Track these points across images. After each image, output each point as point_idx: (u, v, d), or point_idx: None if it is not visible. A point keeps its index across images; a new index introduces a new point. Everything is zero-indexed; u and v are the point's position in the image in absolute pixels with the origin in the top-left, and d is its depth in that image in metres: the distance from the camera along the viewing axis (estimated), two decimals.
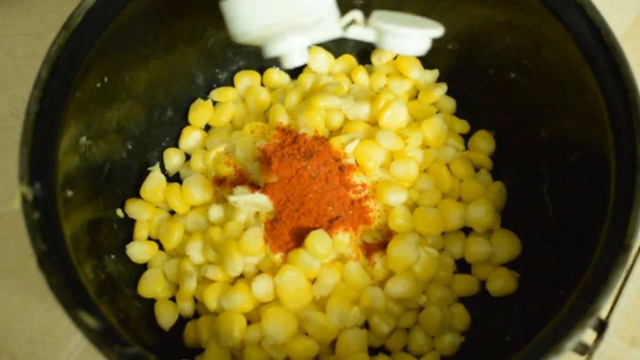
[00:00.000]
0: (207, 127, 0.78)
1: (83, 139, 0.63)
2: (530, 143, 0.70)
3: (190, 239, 0.69)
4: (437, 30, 0.57)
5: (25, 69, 0.85)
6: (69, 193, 0.59)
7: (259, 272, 0.67)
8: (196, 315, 0.70)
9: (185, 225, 0.70)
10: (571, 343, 0.49)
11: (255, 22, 0.53)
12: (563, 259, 0.62)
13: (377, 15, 0.57)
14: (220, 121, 0.77)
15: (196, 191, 0.70)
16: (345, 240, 0.65)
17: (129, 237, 0.71)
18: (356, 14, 0.57)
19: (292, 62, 0.56)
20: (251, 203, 0.65)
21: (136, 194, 0.72)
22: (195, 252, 0.68)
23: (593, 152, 0.60)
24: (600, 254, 0.52)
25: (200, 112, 0.77)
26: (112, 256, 0.67)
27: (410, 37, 0.56)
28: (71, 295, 0.51)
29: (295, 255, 0.64)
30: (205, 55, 0.76)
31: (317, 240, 0.63)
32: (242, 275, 0.67)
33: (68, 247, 0.53)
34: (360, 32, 0.57)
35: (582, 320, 0.49)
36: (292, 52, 0.56)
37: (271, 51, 0.55)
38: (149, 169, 0.73)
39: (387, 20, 0.56)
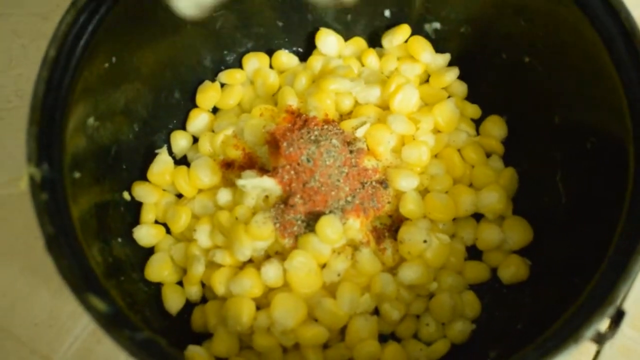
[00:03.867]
0: (215, 110, 0.77)
1: (91, 120, 0.62)
2: (543, 129, 0.69)
3: (197, 222, 0.68)
4: None
5: (30, 49, 0.84)
6: (77, 175, 0.58)
7: (268, 257, 0.66)
8: (204, 300, 0.69)
9: (192, 209, 0.69)
10: (590, 332, 0.48)
11: None
12: (577, 246, 0.61)
13: None
14: (229, 104, 0.76)
15: (204, 174, 0.69)
16: (356, 225, 0.64)
17: (136, 221, 0.70)
18: None
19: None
20: (259, 187, 0.65)
21: (143, 177, 0.71)
22: (203, 236, 0.67)
23: (610, 138, 0.59)
24: (619, 240, 0.51)
25: (208, 95, 0.75)
26: (119, 239, 0.66)
27: None
28: (80, 278, 0.50)
29: (306, 240, 0.63)
30: (213, 37, 0.75)
31: (328, 225, 0.62)
32: (250, 260, 0.66)
33: (76, 229, 0.52)
34: None
35: (601, 308, 0.48)
36: None
37: None
38: (156, 151, 0.72)
39: None
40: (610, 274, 0.50)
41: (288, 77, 0.77)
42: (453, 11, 0.74)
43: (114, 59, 0.63)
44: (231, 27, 0.75)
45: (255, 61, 0.78)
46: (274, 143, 0.67)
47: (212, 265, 0.67)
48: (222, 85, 0.77)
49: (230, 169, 0.70)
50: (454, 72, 0.75)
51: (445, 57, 0.76)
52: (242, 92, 0.76)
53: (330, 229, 0.62)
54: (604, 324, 0.49)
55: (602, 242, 0.54)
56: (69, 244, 0.51)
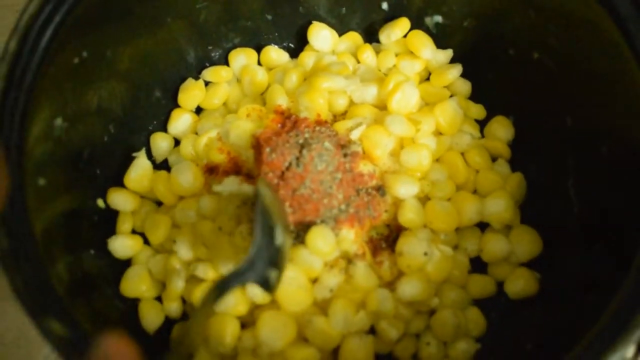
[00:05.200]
0: (199, 110, 0.72)
1: (58, 121, 0.56)
2: (554, 131, 0.64)
3: (178, 233, 0.62)
4: None
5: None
6: (42, 182, 0.53)
7: None
8: (184, 317, 0.64)
9: (172, 218, 0.64)
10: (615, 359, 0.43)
11: None
12: (592, 259, 0.57)
13: None
14: (213, 103, 0.71)
15: (185, 180, 0.64)
16: (350, 236, 0.59)
17: (111, 231, 0.65)
18: None
19: None
20: (240, 194, 0.60)
21: (119, 183, 0.66)
22: (184, 248, 0.62)
23: (628, 142, 0.54)
24: None
25: (191, 93, 0.70)
26: (92, 251, 0.61)
27: None
28: (38, 298, 0.45)
29: (295, 252, 0.58)
30: (197, 31, 0.70)
31: (319, 236, 0.57)
32: None
33: (37, 242, 0.48)
34: None
35: (627, 333, 0.43)
36: None
37: None
38: (134, 154, 0.67)
39: None
40: (635, 292, 0.45)
41: (278, 75, 0.71)
42: (456, 3, 0.69)
43: (84, 54, 0.58)
44: (216, 20, 0.71)
45: (242, 57, 0.73)
46: (258, 148, 0.62)
47: (193, 280, 0.61)
48: (207, 83, 0.72)
49: (214, 174, 0.65)
50: (457, 69, 0.70)
51: (447, 54, 0.71)
52: (228, 91, 0.72)
53: (321, 240, 0.57)
54: (629, 350, 0.44)
55: (622, 255, 0.49)
56: (27, 258, 0.46)
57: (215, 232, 0.60)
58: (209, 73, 0.72)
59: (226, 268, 0.58)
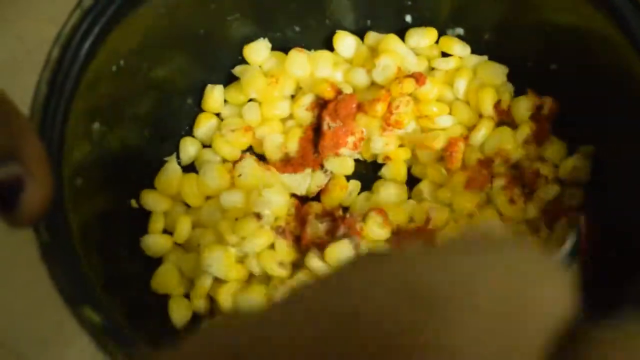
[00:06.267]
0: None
1: (96, 125, 0.60)
2: None
3: (203, 233, 0.65)
4: None
5: (37, 55, 0.81)
6: (79, 181, 0.56)
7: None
8: (212, 313, 0.65)
9: (199, 218, 0.67)
10: None
11: None
12: (604, 268, 0.57)
13: None
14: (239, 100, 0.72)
15: (211, 179, 0.67)
16: None
17: (143, 230, 0.67)
18: None
19: None
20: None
21: (152, 185, 0.68)
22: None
23: None
24: None
25: (213, 97, 0.72)
26: (124, 248, 0.64)
27: None
28: (75, 289, 0.48)
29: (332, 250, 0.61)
30: (227, 42, 0.72)
31: None
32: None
33: (74, 237, 0.51)
34: None
35: None
36: None
37: None
38: (165, 158, 0.70)
39: None
40: None
41: None
42: (479, 17, 0.71)
43: (122, 62, 0.61)
44: (248, 32, 0.73)
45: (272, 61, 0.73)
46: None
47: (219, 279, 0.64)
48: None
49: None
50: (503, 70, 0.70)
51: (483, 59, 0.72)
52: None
53: None
54: None
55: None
56: (66, 252, 0.49)
57: None
58: (240, 70, 0.73)
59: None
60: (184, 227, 0.65)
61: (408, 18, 0.73)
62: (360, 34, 0.75)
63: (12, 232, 0.69)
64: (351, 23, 0.74)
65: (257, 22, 0.72)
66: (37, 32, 0.82)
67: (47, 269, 0.48)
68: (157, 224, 0.68)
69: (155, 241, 0.66)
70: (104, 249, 0.58)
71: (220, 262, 0.62)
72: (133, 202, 0.67)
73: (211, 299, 0.66)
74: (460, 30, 0.72)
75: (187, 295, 0.66)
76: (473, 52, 0.72)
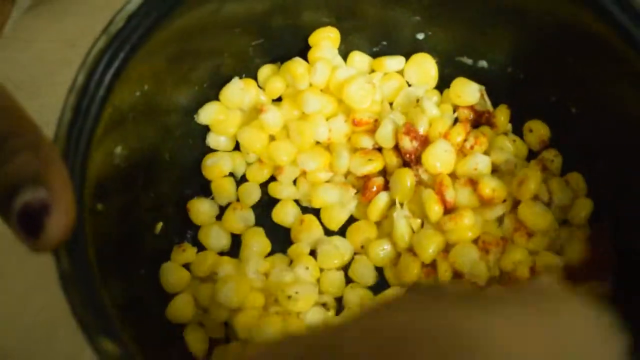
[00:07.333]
0: None
1: (118, 149, 0.60)
2: None
3: (220, 261, 0.66)
4: None
5: (56, 76, 0.81)
6: (99, 206, 0.55)
7: None
8: (227, 340, 0.65)
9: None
10: None
11: None
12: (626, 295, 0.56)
13: None
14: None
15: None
16: None
17: (163, 257, 0.67)
18: None
19: None
20: None
21: (175, 211, 0.69)
22: None
23: None
24: None
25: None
26: (142, 275, 0.64)
27: None
28: (93, 319, 0.47)
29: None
30: (249, 67, 0.72)
31: None
32: None
33: (93, 265, 0.50)
34: None
35: None
36: None
37: None
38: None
39: None
40: None
41: None
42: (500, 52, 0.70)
43: (146, 87, 0.61)
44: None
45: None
46: None
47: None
48: None
49: None
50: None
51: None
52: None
53: None
54: None
55: None
56: (85, 280, 0.49)
57: None
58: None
59: None
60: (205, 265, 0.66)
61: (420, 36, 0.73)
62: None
63: (32, 256, 0.69)
64: (368, 44, 0.74)
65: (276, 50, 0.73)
66: (56, 53, 0.82)
67: (67, 297, 0.47)
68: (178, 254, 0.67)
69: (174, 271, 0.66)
70: (121, 276, 0.58)
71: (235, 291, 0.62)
72: (158, 227, 0.67)
73: (226, 325, 0.65)
74: (483, 63, 0.72)
75: (201, 323, 0.66)
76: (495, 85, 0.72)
